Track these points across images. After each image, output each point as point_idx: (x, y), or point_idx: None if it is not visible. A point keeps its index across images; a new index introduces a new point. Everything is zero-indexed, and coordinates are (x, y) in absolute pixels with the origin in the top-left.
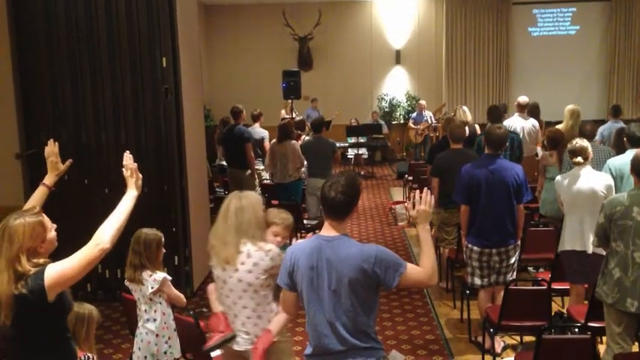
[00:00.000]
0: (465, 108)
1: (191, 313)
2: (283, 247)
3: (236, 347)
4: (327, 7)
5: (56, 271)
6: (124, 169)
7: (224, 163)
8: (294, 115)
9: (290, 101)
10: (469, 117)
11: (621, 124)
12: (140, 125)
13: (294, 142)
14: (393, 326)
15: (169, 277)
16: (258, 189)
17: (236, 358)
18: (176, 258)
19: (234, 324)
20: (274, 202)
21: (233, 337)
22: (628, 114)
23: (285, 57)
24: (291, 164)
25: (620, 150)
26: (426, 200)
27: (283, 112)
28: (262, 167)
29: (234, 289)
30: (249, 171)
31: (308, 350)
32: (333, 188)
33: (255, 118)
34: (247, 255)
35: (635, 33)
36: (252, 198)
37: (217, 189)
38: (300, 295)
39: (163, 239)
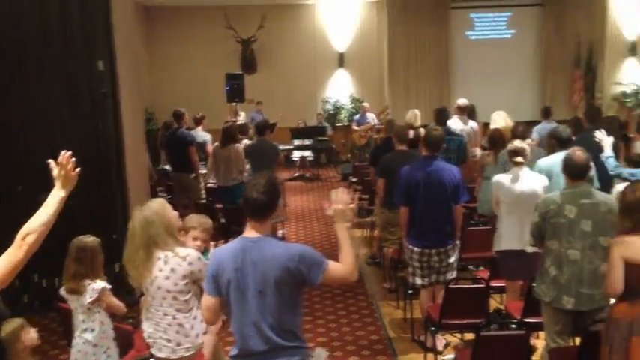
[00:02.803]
0: (416, 111)
1: (130, 321)
2: (206, 251)
3: (160, 354)
4: (269, 10)
5: None
6: (54, 167)
7: (168, 167)
8: (237, 119)
9: (234, 104)
10: (419, 122)
11: (553, 125)
12: (77, 130)
13: (237, 145)
14: (338, 327)
15: (109, 286)
16: (203, 192)
17: None
18: (117, 266)
19: (157, 332)
20: (218, 205)
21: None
22: (561, 115)
23: (229, 60)
24: (235, 167)
25: (551, 151)
26: (342, 199)
27: (229, 116)
28: (205, 171)
29: (155, 296)
30: (193, 174)
31: (233, 351)
32: (255, 189)
33: (198, 122)
34: (164, 262)
35: (566, 37)
36: (155, 206)
37: (161, 193)
38: (227, 299)
39: None
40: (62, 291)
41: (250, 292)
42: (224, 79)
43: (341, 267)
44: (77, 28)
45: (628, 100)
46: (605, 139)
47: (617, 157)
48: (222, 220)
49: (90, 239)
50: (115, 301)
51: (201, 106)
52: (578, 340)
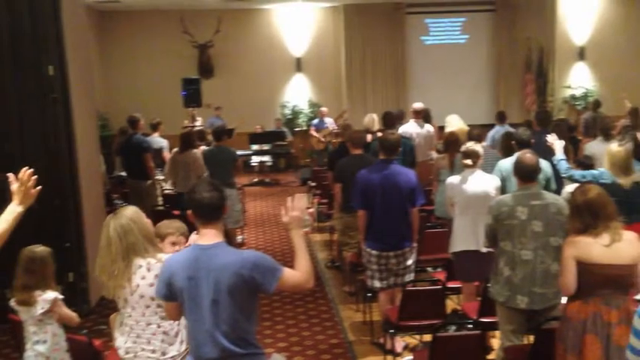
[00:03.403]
0: (374, 116)
1: (85, 332)
2: None
3: None
4: (226, 15)
5: None
6: (13, 182)
7: (123, 173)
8: (195, 124)
9: (192, 109)
10: (377, 126)
11: (508, 128)
12: (27, 137)
13: (195, 150)
14: (298, 332)
15: (61, 296)
16: (160, 199)
17: None
18: (71, 275)
19: (138, 344)
20: (175, 212)
21: None
22: (515, 118)
23: (185, 64)
24: (194, 173)
25: (506, 153)
26: (297, 206)
27: (186, 121)
28: (162, 177)
29: (136, 306)
30: (149, 181)
31: None
32: (201, 189)
33: (154, 127)
34: (147, 269)
35: (518, 42)
36: (130, 213)
37: (116, 201)
38: (182, 306)
39: None
40: (12, 303)
41: (204, 300)
42: (181, 84)
43: (296, 274)
44: (27, 34)
45: (578, 103)
46: (557, 143)
47: (567, 159)
48: None
49: (39, 249)
50: (68, 312)
51: (158, 112)
52: (532, 339)
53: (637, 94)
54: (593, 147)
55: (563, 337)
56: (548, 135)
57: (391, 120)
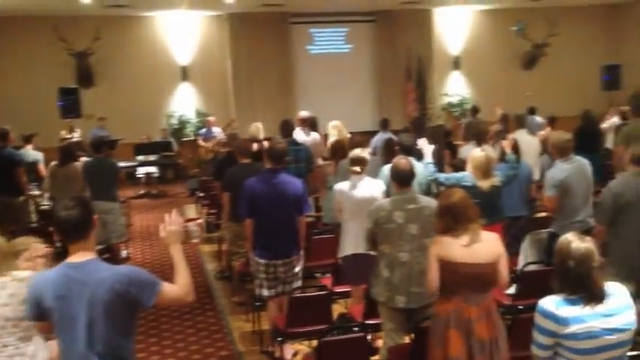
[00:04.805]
0: (259, 124)
1: None
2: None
3: None
4: (106, 22)
5: None
6: None
7: None
8: (74, 136)
9: (70, 120)
10: (262, 134)
11: (389, 135)
12: None
13: (77, 163)
14: (186, 346)
15: None
16: (35, 216)
17: None
18: None
19: None
20: (52, 229)
21: None
22: (398, 125)
23: (62, 73)
24: (76, 186)
25: (388, 159)
26: (175, 220)
27: (63, 132)
28: (38, 192)
29: None
30: (22, 197)
31: None
32: (62, 208)
33: (27, 140)
34: (1, 287)
35: (398, 51)
36: None
37: None
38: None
39: None
40: None
41: (77, 320)
42: (57, 94)
43: (176, 288)
44: None
45: (454, 109)
46: (426, 147)
47: (442, 163)
48: (59, 244)
49: None
50: None
51: (33, 123)
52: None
53: (506, 100)
54: (466, 151)
55: (432, 332)
56: (419, 140)
57: (288, 128)
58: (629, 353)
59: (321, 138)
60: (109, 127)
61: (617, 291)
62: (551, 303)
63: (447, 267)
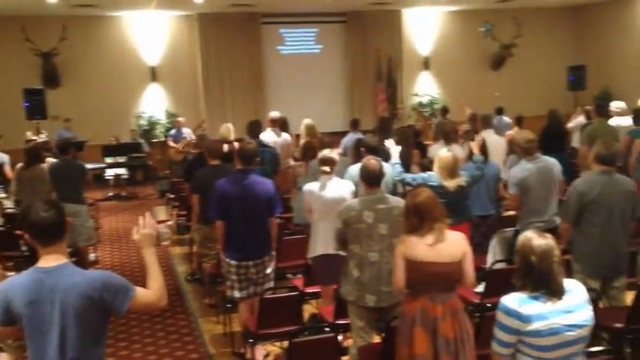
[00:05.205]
0: (229, 125)
1: None
2: None
3: None
4: (72, 22)
5: None
6: None
7: None
8: (39, 137)
9: (36, 122)
10: (232, 135)
11: (359, 136)
12: None
13: (43, 165)
14: (156, 350)
15: None
16: (0, 219)
17: None
18: None
19: None
20: (19, 232)
21: None
22: (369, 125)
23: (27, 74)
24: (43, 188)
25: (357, 159)
26: (148, 223)
27: (29, 133)
28: (4, 195)
29: None
30: None
31: None
32: (37, 210)
33: None
34: None
35: (369, 52)
36: None
37: None
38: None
39: None
40: None
41: (49, 326)
42: (22, 94)
43: (149, 293)
44: None
45: (425, 109)
46: (393, 147)
47: (409, 163)
48: (25, 248)
49: None
50: None
51: None
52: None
53: (476, 100)
54: (435, 151)
55: (399, 330)
56: (386, 140)
57: (256, 129)
58: (591, 349)
59: (293, 138)
60: (76, 129)
61: (574, 287)
62: (513, 301)
63: (413, 266)
